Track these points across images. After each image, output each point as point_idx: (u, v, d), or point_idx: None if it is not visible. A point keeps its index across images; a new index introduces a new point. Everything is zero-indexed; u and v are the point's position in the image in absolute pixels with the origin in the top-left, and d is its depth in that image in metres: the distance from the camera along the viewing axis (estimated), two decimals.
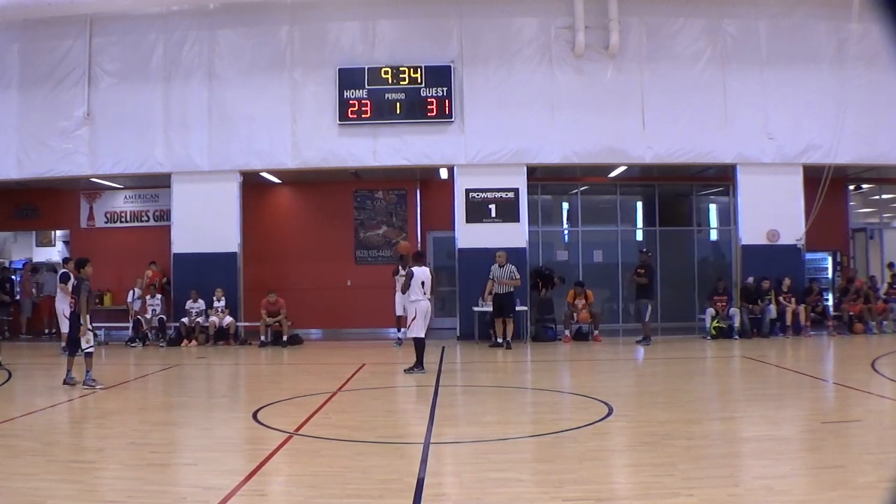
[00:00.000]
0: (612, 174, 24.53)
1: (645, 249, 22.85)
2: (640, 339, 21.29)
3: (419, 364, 15.73)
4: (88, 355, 14.34)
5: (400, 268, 21.10)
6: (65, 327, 19.95)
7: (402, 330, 19.86)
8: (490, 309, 21.38)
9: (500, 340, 20.75)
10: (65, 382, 14.37)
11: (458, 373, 17.41)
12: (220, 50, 23.39)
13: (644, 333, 21.39)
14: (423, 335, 15.85)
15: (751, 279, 22.50)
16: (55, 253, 30.62)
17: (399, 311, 21.13)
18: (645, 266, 21.80)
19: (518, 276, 20.99)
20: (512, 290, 20.96)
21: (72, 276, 20.08)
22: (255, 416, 11.37)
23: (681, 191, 26.62)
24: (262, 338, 22.24)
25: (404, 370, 15.90)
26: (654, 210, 26.17)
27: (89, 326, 14.37)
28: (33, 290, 26.90)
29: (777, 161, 22.70)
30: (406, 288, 16.07)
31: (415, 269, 16.19)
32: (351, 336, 22.54)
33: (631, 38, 22.60)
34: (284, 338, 22.22)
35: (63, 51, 23.87)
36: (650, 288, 21.89)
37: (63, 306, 20.38)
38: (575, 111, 22.47)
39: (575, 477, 7.68)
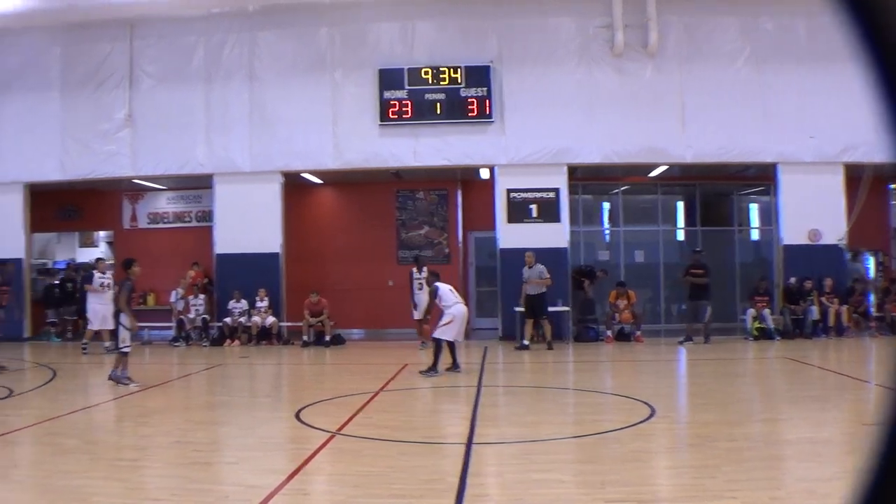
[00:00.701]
0: (653, 174, 24.55)
1: (699, 249, 22.66)
2: (684, 340, 21.04)
3: (435, 367, 15.72)
4: (123, 354, 14.58)
5: (415, 269, 21.49)
6: (93, 325, 20.66)
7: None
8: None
9: (526, 343, 20.79)
10: (116, 380, 14.66)
11: (499, 373, 17.52)
12: (260, 51, 23.64)
13: (704, 333, 21.39)
14: (449, 339, 15.84)
15: (793, 279, 22.41)
16: (98, 254, 30.88)
17: (417, 316, 21.28)
18: (701, 266, 21.72)
19: (548, 276, 21.00)
20: (544, 290, 20.99)
21: (95, 275, 20.58)
22: (297, 415, 11.51)
23: (722, 190, 26.61)
24: (305, 338, 22.43)
25: (420, 372, 15.90)
26: (694, 210, 26.17)
27: (126, 325, 14.49)
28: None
29: (818, 160, 22.61)
30: (432, 305, 16.43)
31: (438, 284, 16.29)
32: (393, 336, 22.63)
33: (669, 37, 22.58)
34: (327, 338, 22.41)
35: (104, 53, 24.27)
36: (708, 288, 21.67)
37: (94, 306, 20.66)
38: (615, 111, 22.50)
39: (617, 478, 7.69)
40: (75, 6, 22.43)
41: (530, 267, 20.93)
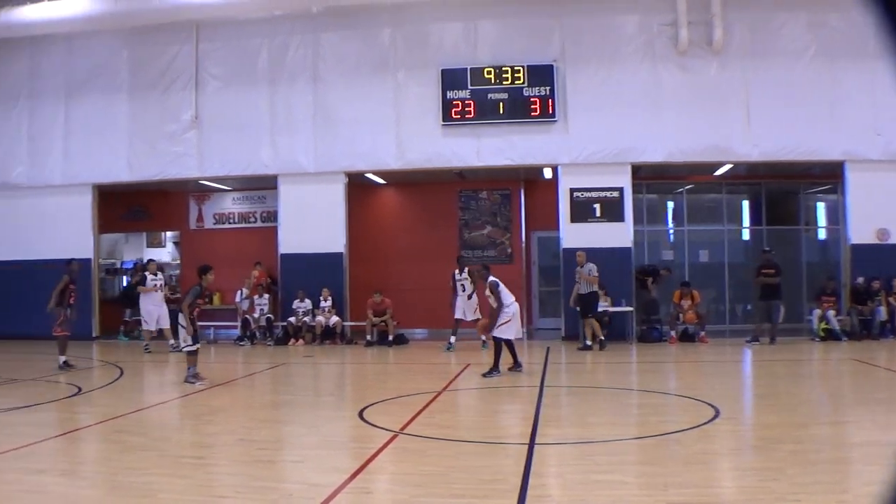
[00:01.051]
0: (718, 172, 24.35)
1: (769, 249, 22.42)
2: (750, 340, 20.86)
3: (496, 367, 15.68)
4: (190, 353, 14.82)
5: (456, 271, 21.61)
6: (149, 326, 21.54)
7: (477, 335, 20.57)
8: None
9: (589, 343, 20.72)
10: (195, 379, 14.86)
11: (562, 373, 17.48)
12: (323, 53, 23.90)
13: (771, 333, 21.17)
14: (510, 337, 15.83)
15: (860, 279, 22.07)
16: (165, 254, 31.38)
17: (458, 315, 21.41)
18: (772, 265, 21.51)
19: (595, 275, 20.75)
20: (595, 290, 20.80)
21: (147, 277, 20.85)
22: (360, 414, 11.60)
23: (788, 189, 26.30)
24: (368, 337, 22.61)
25: (482, 374, 15.69)
26: (760, 209, 25.88)
27: (184, 324, 14.68)
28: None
29: (886, 158, 22.28)
30: (499, 302, 15.72)
31: (497, 280, 16.10)
32: (458, 335, 22.60)
33: (734, 34, 22.36)
34: (390, 337, 22.59)
35: (171, 56, 24.75)
36: (780, 287, 21.45)
37: (148, 307, 21.55)
38: (679, 109, 22.35)
39: (680, 480, 7.66)
40: (143, 10, 22.87)
41: (581, 266, 20.79)
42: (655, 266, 23.83)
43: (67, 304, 17.69)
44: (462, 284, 21.47)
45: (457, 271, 21.78)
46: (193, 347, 14.79)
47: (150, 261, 22.38)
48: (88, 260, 24.62)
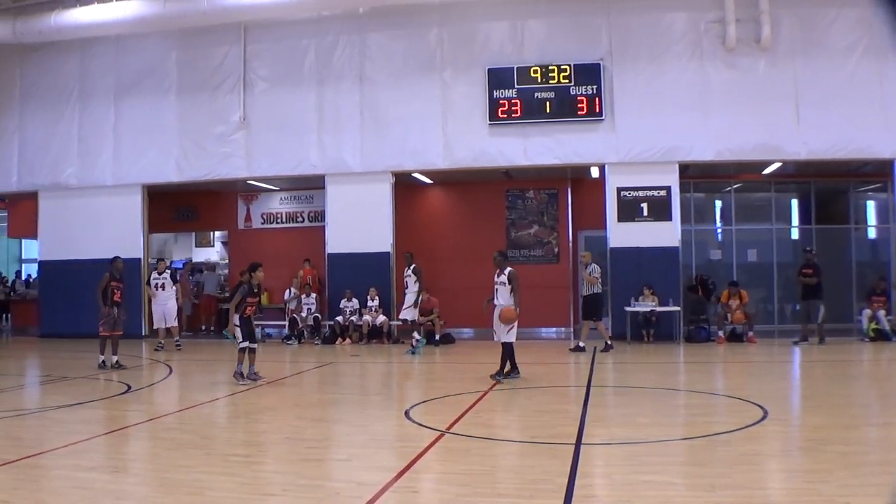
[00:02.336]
0: (767, 171, 24.30)
1: (810, 248, 22.24)
2: (798, 340, 20.62)
3: (516, 368, 15.23)
4: (240, 350, 15.01)
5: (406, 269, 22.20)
6: (156, 325, 22.06)
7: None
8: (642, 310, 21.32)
9: (581, 345, 20.46)
10: (245, 377, 15.07)
11: (609, 373, 17.36)
12: (370, 53, 24.12)
13: (818, 334, 21.16)
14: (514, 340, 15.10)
15: None
16: (213, 253, 31.77)
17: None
18: (812, 265, 21.37)
19: (596, 276, 20.61)
20: (598, 291, 20.67)
21: (153, 276, 21.71)
22: (407, 413, 11.72)
23: (837, 187, 26.20)
24: (417, 337, 22.42)
25: (498, 378, 14.95)
26: (809, 208, 25.73)
27: (235, 323, 14.98)
28: (193, 290, 27.79)
29: None
30: (518, 294, 14.92)
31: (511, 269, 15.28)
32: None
33: (783, 31, 22.21)
34: (437, 336, 22.65)
35: (219, 58, 25.14)
36: (820, 287, 21.24)
37: (154, 306, 22.17)
38: (727, 107, 22.28)
39: (727, 482, 7.60)
40: (191, 11, 23.27)
41: (586, 266, 20.72)
42: (709, 280, 23.64)
43: (112, 303, 17.70)
44: (405, 281, 22.00)
45: (406, 268, 22.18)
46: (244, 345, 14.93)
47: (159, 260, 22.68)
48: (138, 259, 24.93)
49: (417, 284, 21.80)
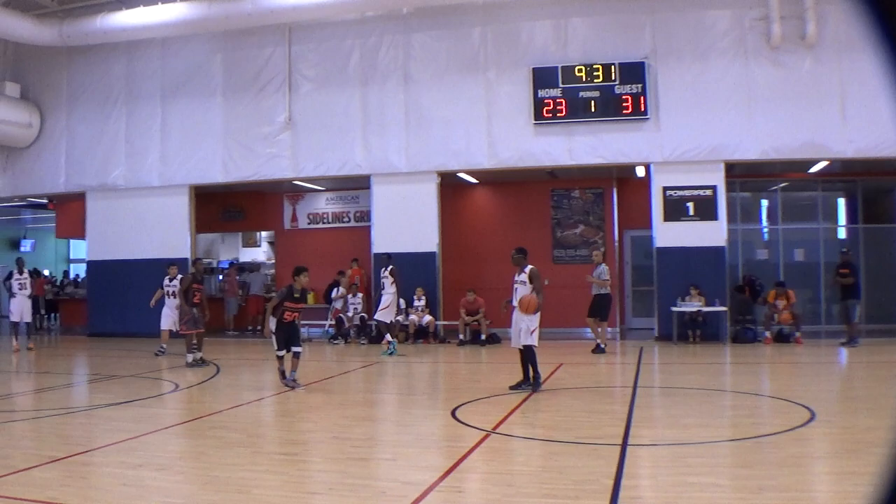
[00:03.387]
0: (813, 170, 24.14)
1: (845, 249, 22.02)
2: (846, 341, 20.64)
3: (538, 375, 13.99)
4: (278, 357, 14.67)
5: (382, 269, 22.15)
6: (163, 326, 21.00)
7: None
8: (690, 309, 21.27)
9: (602, 346, 20.38)
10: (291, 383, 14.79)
11: (655, 374, 17.43)
12: (414, 53, 24.26)
13: (850, 335, 20.61)
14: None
15: None
16: (260, 253, 32.00)
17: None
18: (848, 265, 21.15)
19: (607, 278, 20.68)
20: (606, 291, 20.62)
21: (165, 280, 20.82)
22: (453, 413, 11.82)
23: (885, 186, 26.09)
24: (461, 336, 22.93)
25: (524, 389, 13.81)
26: (856, 207, 25.53)
27: (272, 328, 14.57)
28: (239, 290, 27.99)
29: None
30: (540, 293, 13.75)
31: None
32: (549, 335, 22.44)
33: (828, 28, 22.02)
34: (483, 336, 22.71)
35: (264, 59, 25.44)
36: (856, 287, 21.02)
37: (164, 308, 21.05)
38: (772, 105, 22.15)
39: (775, 483, 7.61)
40: (236, 13, 23.61)
41: (598, 265, 20.71)
42: (758, 282, 23.46)
43: (192, 303, 18.25)
44: (382, 282, 22.07)
45: (383, 269, 22.19)
46: (280, 353, 14.53)
47: (170, 265, 21.48)
48: (185, 260, 25.11)
49: (394, 286, 21.70)
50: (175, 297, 20.26)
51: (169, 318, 20.65)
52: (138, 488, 7.86)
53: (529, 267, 13.91)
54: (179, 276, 20.42)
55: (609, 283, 20.66)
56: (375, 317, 21.92)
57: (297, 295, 14.63)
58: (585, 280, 20.95)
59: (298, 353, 14.62)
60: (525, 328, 13.66)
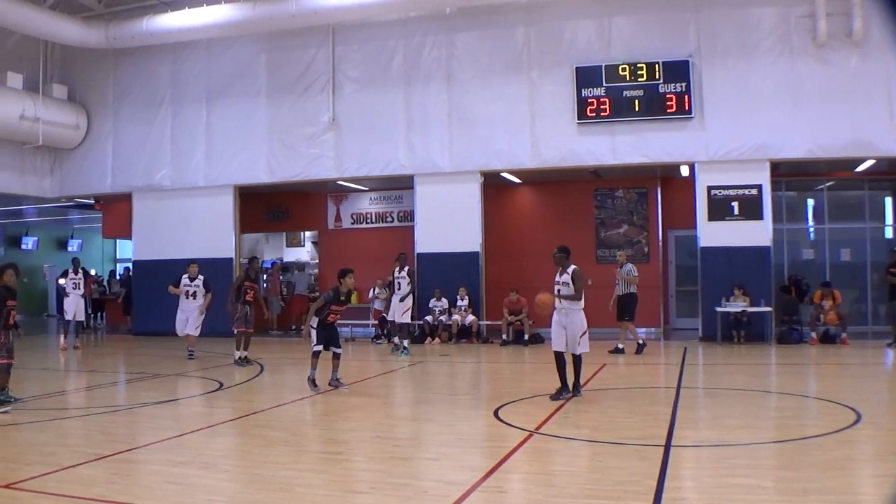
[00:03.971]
0: (860, 168, 23.84)
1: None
2: (892, 342, 20.42)
3: (565, 384, 13.23)
4: (314, 355, 14.37)
5: (396, 270, 21.92)
6: (178, 331, 20.67)
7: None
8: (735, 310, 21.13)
9: (620, 346, 20.15)
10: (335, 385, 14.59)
11: (699, 374, 17.30)
12: (457, 53, 24.35)
13: (895, 336, 20.32)
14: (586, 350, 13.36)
15: None
16: (304, 253, 32.15)
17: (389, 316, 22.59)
18: None
19: (635, 275, 20.41)
20: (632, 291, 20.33)
21: (183, 280, 20.24)
22: (496, 413, 11.86)
23: None
24: (504, 336, 22.98)
25: (564, 397, 13.01)
26: None
27: (312, 325, 14.37)
28: (283, 289, 28.19)
29: None
30: (580, 294, 13.13)
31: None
32: (592, 336, 22.39)
33: (874, 25, 21.60)
34: (526, 336, 22.77)
35: (308, 60, 25.62)
36: None
37: (178, 311, 20.63)
38: (818, 103, 21.93)
39: (819, 486, 7.57)
40: (280, 15, 23.80)
41: (622, 266, 20.54)
42: (803, 282, 23.27)
43: (244, 301, 18.37)
44: (398, 282, 21.77)
45: (396, 269, 21.99)
46: (317, 348, 14.35)
47: (191, 263, 20.59)
48: (230, 259, 25.35)
49: (410, 286, 21.72)
50: (194, 298, 20.05)
51: (182, 322, 20.28)
52: (183, 486, 8.01)
53: (573, 267, 13.31)
54: (201, 278, 20.27)
55: (636, 280, 20.54)
56: (399, 320, 21.66)
57: (342, 298, 14.59)
58: (615, 278, 20.71)
59: (339, 353, 14.60)
60: (572, 335, 13.01)
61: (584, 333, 13.09)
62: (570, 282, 13.16)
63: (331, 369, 14.59)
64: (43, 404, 13.14)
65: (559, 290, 13.27)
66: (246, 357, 18.74)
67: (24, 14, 23.96)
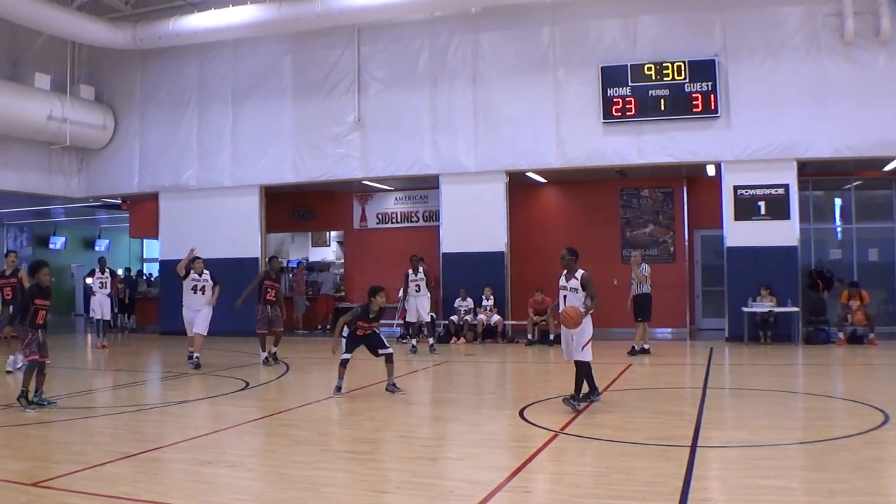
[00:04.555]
0: (888, 168, 23.60)
1: None
2: None
3: (595, 388, 12.69)
4: (341, 365, 14.05)
5: (410, 272, 21.76)
6: (189, 331, 19.24)
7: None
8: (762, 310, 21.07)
9: (646, 347, 20.04)
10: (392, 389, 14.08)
11: (725, 375, 17.21)
12: (483, 53, 24.39)
13: None
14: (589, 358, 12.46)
15: None
16: (329, 253, 32.24)
17: (413, 317, 22.23)
18: None
19: (645, 273, 20.16)
20: (646, 291, 20.10)
21: (191, 275, 18.85)
22: (521, 413, 11.85)
23: None
24: (530, 336, 22.96)
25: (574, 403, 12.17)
26: None
27: (343, 334, 14.14)
28: (308, 289, 28.31)
29: None
30: (592, 298, 12.38)
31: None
32: (617, 336, 22.35)
33: None
34: (551, 336, 22.78)
35: (333, 60, 25.75)
36: None
37: (184, 309, 19.53)
38: (845, 102, 21.80)
39: (847, 487, 7.53)
40: (306, 15, 23.92)
41: (638, 265, 20.33)
42: (830, 274, 23.12)
43: (265, 301, 18.20)
44: (417, 285, 21.78)
45: (410, 271, 21.94)
46: (346, 357, 13.97)
47: (195, 259, 18.95)
48: (256, 259, 25.44)
49: (428, 285, 21.86)
50: (203, 293, 18.63)
51: (190, 321, 18.75)
52: (209, 485, 8.10)
53: (581, 272, 12.61)
54: (208, 272, 18.89)
55: (645, 278, 20.25)
56: (426, 318, 21.81)
57: (372, 316, 14.06)
58: (630, 276, 20.44)
59: (388, 354, 14.00)
60: (576, 342, 12.25)
61: (587, 344, 12.22)
62: (579, 287, 12.46)
63: (386, 374, 14.04)
64: (71, 403, 13.25)
65: (565, 296, 12.66)
66: (274, 355, 18.65)
67: (52, 15, 24.17)
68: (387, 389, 13.97)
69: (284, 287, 29.28)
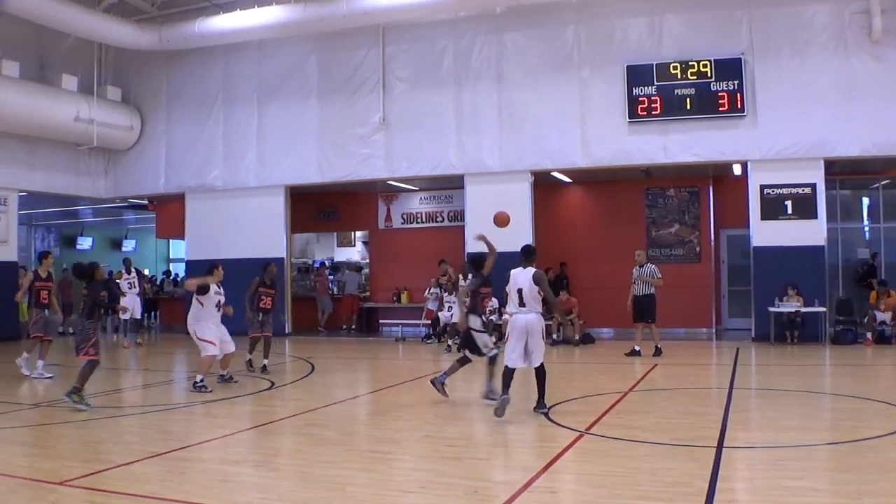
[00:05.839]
0: None
1: None
2: None
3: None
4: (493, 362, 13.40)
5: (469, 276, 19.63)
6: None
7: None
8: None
9: (636, 348, 19.76)
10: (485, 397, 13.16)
11: (752, 375, 17.16)
12: (507, 52, 24.41)
13: None
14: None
15: None
16: (354, 253, 32.34)
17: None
18: None
19: (659, 276, 20.07)
20: (652, 292, 19.97)
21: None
22: (546, 413, 11.56)
23: None
24: (554, 336, 22.60)
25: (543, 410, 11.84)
26: None
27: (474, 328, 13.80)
28: (333, 289, 28.42)
29: None
30: (548, 295, 12.28)
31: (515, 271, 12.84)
32: (644, 336, 22.30)
33: None
34: (576, 336, 22.40)
35: (358, 60, 25.80)
36: None
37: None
38: (873, 100, 21.63)
39: (874, 489, 7.48)
40: (331, 16, 23.94)
41: (641, 266, 20.13)
42: (867, 258, 23.11)
43: (257, 308, 17.21)
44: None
45: (461, 276, 21.94)
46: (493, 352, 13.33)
47: (215, 265, 16.09)
48: (282, 259, 25.56)
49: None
50: (219, 309, 16.26)
51: (219, 339, 15.93)
52: (235, 484, 8.22)
53: (533, 269, 12.65)
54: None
55: (660, 282, 20.16)
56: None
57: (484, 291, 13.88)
58: (632, 278, 20.15)
59: (493, 356, 13.29)
60: (536, 347, 11.69)
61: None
62: (536, 281, 12.20)
63: (485, 378, 13.34)
64: (99, 402, 13.32)
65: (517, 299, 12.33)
66: (264, 366, 17.16)
67: (79, 17, 24.34)
68: (489, 396, 12.90)
69: (305, 288, 29.50)
